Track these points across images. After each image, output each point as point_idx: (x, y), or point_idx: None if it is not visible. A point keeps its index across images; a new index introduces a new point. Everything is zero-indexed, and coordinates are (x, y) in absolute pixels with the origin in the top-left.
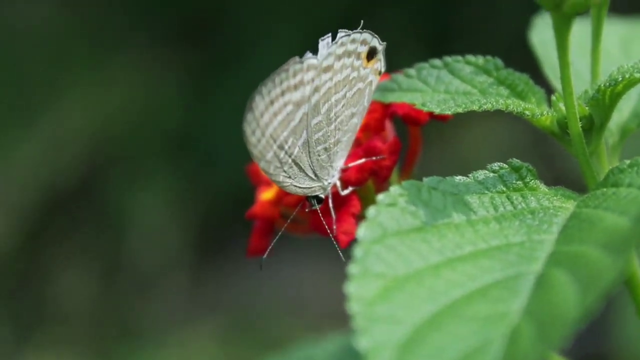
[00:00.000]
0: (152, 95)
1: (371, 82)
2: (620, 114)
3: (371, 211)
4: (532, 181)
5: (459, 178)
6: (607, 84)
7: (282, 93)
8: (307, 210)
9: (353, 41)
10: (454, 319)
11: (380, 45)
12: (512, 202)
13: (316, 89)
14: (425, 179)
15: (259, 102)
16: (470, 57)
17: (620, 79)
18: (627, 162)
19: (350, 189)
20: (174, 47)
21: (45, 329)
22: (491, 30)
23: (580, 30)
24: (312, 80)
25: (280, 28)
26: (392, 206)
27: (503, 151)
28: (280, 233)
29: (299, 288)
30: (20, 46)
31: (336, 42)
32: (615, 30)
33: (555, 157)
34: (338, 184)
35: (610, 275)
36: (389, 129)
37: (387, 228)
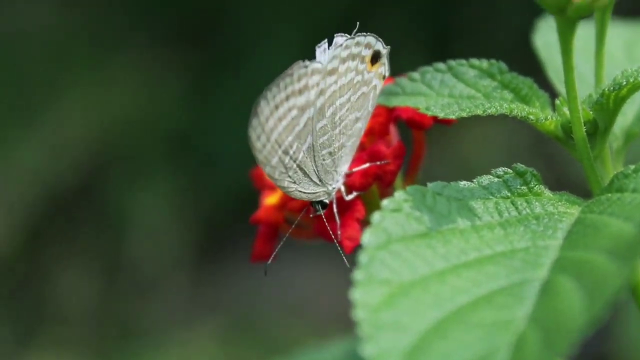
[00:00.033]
0: (152, 95)
1: (375, 86)
2: (625, 118)
3: (376, 217)
4: (537, 186)
5: (463, 183)
6: (612, 88)
7: (287, 98)
8: (311, 215)
9: (357, 44)
10: (460, 325)
11: (384, 49)
12: (516, 208)
13: (321, 92)
14: (429, 184)
15: (264, 107)
16: (474, 61)
17: (624, 83)
18: (632, 167)
19: (354, 193)
20: (174, 47)
21: (45, 329)
22: (491, 30)
23: (583, 33)
24: (317, 84)
25: (280, 28)
26: (396, 212)
27: (504, 151)
28: (284, 238)
29: (300, 289)
30: (20, 46)
31: (341, 45)
32: (618, 33)
33: (556, 157)
34: (342, 188)
35: (616, 282)
36: (393, 133)
37: (391, 234)
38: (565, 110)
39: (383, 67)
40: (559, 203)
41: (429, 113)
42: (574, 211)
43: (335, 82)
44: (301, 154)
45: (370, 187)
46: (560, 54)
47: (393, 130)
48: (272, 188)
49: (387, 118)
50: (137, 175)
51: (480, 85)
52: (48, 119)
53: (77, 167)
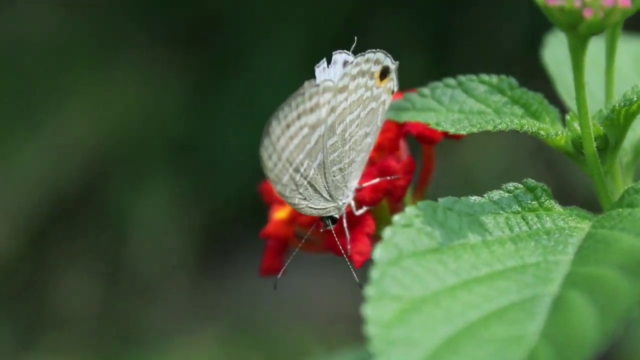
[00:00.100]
0: (153, 97)
1: (384, 101)
2: (634, 133)
3: (387, 232)
4: (547, 201)
5: (474, 198)
6: (622, 103)
7: (299, 116)
8: (321, 230)
9: (367, 61)
10: (471, 341)
11: (392, 64)
12: (527, 223)
13: (332, 110)
14: (440, 200)
15: (276, 127)
16: (484, 76)
17: (635, 98)
18: None
19: (364, 208)
20: (174, 48)
21: (47, 331)
22: (491, 31)
23: (591, 48)
24: (328, 102)
25: (280, 28)
26: (408, 227)
27: (506, 154)
28: (294, 253)
29: (302, 292)
30: (20, 48)
31: (351, 63)
32: (627, 48)
33: (557, 163)
34: (352, 204)
35: (628, 298)
36: (403, 148)
37: (403, 249)
38: (576, 125)
39: (392, 82)
40: (570, 218)
41: (440, 129)
42: (585, 226)
43: (346, 99)
44: (312, 171)
45: (381, 202)
46: (572, 70)
47: (403, 145)
48: (281, 202)
49: (397, 133)
50: (139, 178)
51: (490, 101)
52: (50, 120)
53: (79, 170)
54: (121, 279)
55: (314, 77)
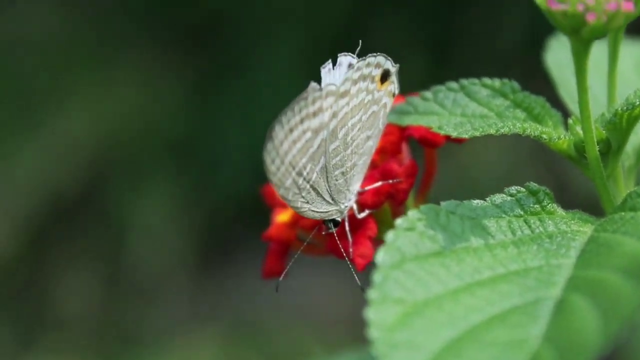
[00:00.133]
0: (153, 97)
1: (385, 104)
2: (637, 137)
3: (389, 236)
4: (550, 205)
5: (476, 202)
6: (625, 107)
7: (301, 121)
8: (323, 233)
9: (368, 65)
10: (474, 344)
11: (393, 67)
12: (529, 226)
13: (334, 115)
14: (443, 203)
15: (279, 131)
16: (487, 80)
17: (637, 102)
18: None
19: (366, 212)
20: (175, 49)
21: (47, 332)
22: (491, 31)
23: (593, 51)
24: (331, 106)
25: (281, 28)
26: (410, 230)
27: (508, 158)
28: (296, 255)
29: (303, 293)
30: (20, 49)
31: (353, 67)
32: (630, 52)
33: (557, 162)
34: (354, 207)
35: (631, 302)
36: (405, 151)
37: (405, 253)
38: (579, 129)
39: (393, 85)
40: (572, 221)
41: (442, 132)
42: (587, 230)
43: (348, 103)
44: (314, 175)
45: (383, 205)
46: (574, 73)
47: (405, 148)
48: (283, 205)
49: (399, 137)
50: (139, 178)
51: (492, 105)
52: (50, 121)
53: (79, 170)
54: (121, 279)
55: (314, 77)
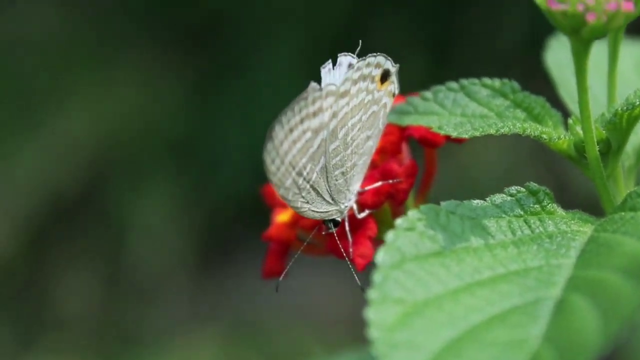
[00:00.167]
0: (153, 97)
1: (385, 104)
2: (637, 137)
3: (389, 236)
4: (550, 205)
5: (476, 202)
6: (625, 107)
7: (301, 121)
8: (323, 233)
9: (368, 65)
10: (474, 344)
11: (393, 67)
12: (529, 226)
13: (334, 115)
14: (443, 203)
15: (279, 131)
16: (487, 80)
17: (637, 102)
18: None
19: (366, 212)
20: (175, 49)
21: (47, 333)
22: (492, 31)
23: (593, 51)
24: (331, 106)
25: (281, 28)
26: (410, 230)
27: (508, 158)
28: (296, 255)
29: (303, 293)
30: (20, 49)
31: (353, 67)
32: (630, 52)
33: (559, 165)
34: (354, 207)
35: (631, 302)
36: (405, 151)
37: (405, 253)
38: (578, 129)
39: (393, 85)
40: (572, 221)
41: (442, 132)
42: (587, 230)
43: (348, 103)
44: (314, 175)
45: (383, 205)
46: (574, 73)
47: (405, 148)
48: (283, 205)
49: (399, 137)
50: (139, 178)
51: (492, 105)
52: (50, 121)
53: (79, 170)
54: (121, 279)
55: (314, 77)
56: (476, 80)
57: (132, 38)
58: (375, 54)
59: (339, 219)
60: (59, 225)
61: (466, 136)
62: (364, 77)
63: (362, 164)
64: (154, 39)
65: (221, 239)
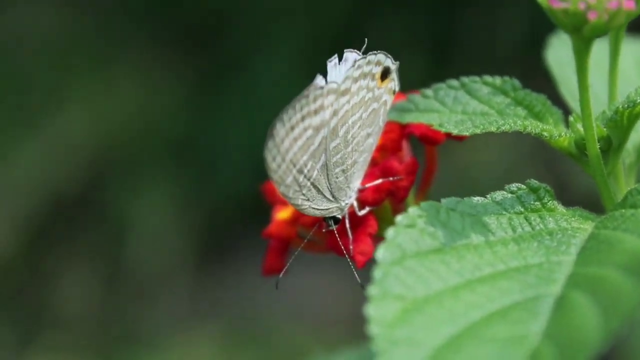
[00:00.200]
0: (153, 97)
1: (386, 101)
2: (638, 135)
3: (390, 232)
4: (550, 202)
5: (477, 199)
6: (625, 105)
7: (303, 118)
8: (323, 230)
9: (368, 63)
10: (474, 340)
11: (393, 65)
12: (530, 223)
13: (334, 113)
14: (443, 200)
15: (280, 129)
16: (488, 78)
17: (638, 100)
18: None
19: (367, 209)
20: (175, 49)
21: (46, 333)
22: (492, 31)
23: (595, 49)
24: (332, 104)
25: (281, 28)
26: (411, 227)
27: (508, 156)
28: (296, 252)
29: (302, 291)
30: (20, 49)
31: (353, 65)
32: (631, 50)
33: (560, 163)
34: (355, 204)
35: (631, 299)
36: (406, 149)
37: (406, 249)
38: (579, 127)
39: (393, 83)
40: (572, 219)
41: (443, 130)
42: (588, 227)
43: (348, 102)
44: (315, 172)
45: (383, 202)
46: (575, 72)
47: (405, 146)
48: (284, 203)
49: (399, 134)
50: (139, 178)
51: (493, 102)
52: (50, 120)
53: (79, 170)
54: (121, 279)
55: (314, 77)
56: (477, 78)
57: (132, 38)
58: (375, 51)
59: (340, 217)
60: (58, 225)
61: (467, 134)
62: (364, 75)
63: (362, 161)
64: (154, 39)
65: (221, 239)
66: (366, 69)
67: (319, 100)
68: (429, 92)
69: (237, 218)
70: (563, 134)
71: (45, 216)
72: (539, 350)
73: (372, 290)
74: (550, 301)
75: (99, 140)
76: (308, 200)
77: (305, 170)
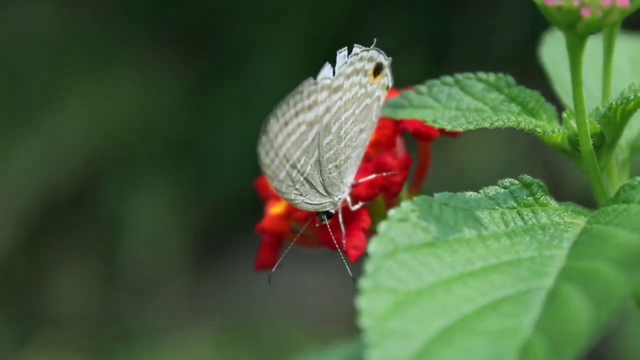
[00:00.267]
0: (153, 97)
1: (379, 97)
2: (631, 131)
3: (382, 226)
4: (543, 197)
5: (470, 194)
6: (619, 101)
7: (296, 114)
8: (317, 225)
9: (361, 59)
10: (465, 333)
11: (386, 61)
12: (522, 218)
13: (327, 110)
14: (436, 195)
15: (274, 125)
16: (482, 74)
17: (632, 97)
18: (638, 178)
19: (360, 204)
20: (175, 49)
21: (43, 332)
22: (491, 32)
23: (588, 45)
24: (325, 101)
25: (281, 28)
26: (403, 221)
27: (502, 152)
28: (289, 247)
29: (297, 288)
30: (19, 49)
31: (345, 62)
32: (625, 47)
33: (554, 159)
34: (348, 199)
35: (622, 291)
36: (399, 145)
37: (398, 243)
38: (573, 123)
39: (386, 78)
40: (565, 213)
41: (436, 126)
42: (580, 222)
43: (341, 98)
44: (308, 168)
45: (376, 197)
46: (570, 69)
47: (399, 142)
48: (277, 197)
49: (393, 130)
50: (135, 179)
51: (487, 99)
52: (48, 120)
53: (77, 170)
54: (117, 280)
55: (314, 77)
56: (471, 75)
57: (132, 38)
58: (367, 48)
59: (333, 211)
60: (57, 224)
61: (460, 129)
62: (357, 71)
63: (355, 156)
64: (154, 39)
65: (219, 239)
66: (359, 65)
67: (313, 95)
68: (422, 88)
69: (235, 218)
70: (556, 130)
71: (44, 215)
72: (530, 343)
73: (364, 283)
74: (542, 294)
75: (98, 139)
76: (301, 195)
77: (299, 166)
